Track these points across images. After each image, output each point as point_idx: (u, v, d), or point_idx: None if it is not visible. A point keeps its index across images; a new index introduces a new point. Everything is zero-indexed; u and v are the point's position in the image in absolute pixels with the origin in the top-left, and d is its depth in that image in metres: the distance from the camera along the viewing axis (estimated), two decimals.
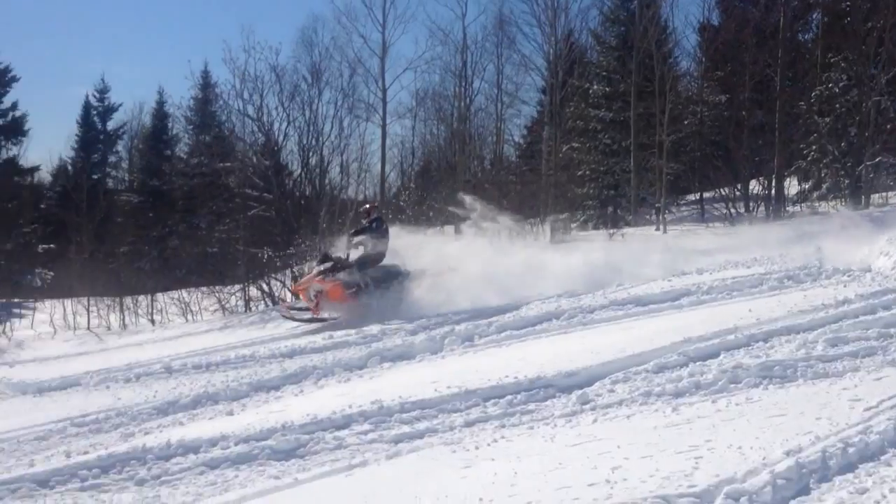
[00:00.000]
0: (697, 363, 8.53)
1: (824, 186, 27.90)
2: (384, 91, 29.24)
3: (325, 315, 13.55)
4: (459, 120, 30.93)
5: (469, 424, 7.40)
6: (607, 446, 6.24)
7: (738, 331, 9.69)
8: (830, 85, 27.04)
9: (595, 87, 32.09)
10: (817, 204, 27.38)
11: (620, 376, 8.30)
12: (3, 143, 30.43)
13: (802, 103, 28.15)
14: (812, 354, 8.43)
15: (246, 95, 24.05)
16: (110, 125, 42.13)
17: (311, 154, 25.07)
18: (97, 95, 41.48)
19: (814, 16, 31.12)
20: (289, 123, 25.39)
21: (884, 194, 26.07)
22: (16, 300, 23.07)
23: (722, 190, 29.18)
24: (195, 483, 6.67)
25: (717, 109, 30.56)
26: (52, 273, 26.71)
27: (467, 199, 17.92)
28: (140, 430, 8.41)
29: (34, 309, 21.75)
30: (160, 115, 40.82)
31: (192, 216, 31.65)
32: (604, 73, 32.40)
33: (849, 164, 26.63)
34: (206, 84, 35.02)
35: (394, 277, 13.34)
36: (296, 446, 7.20)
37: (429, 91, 33.58)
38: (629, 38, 30.49)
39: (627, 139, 29.76)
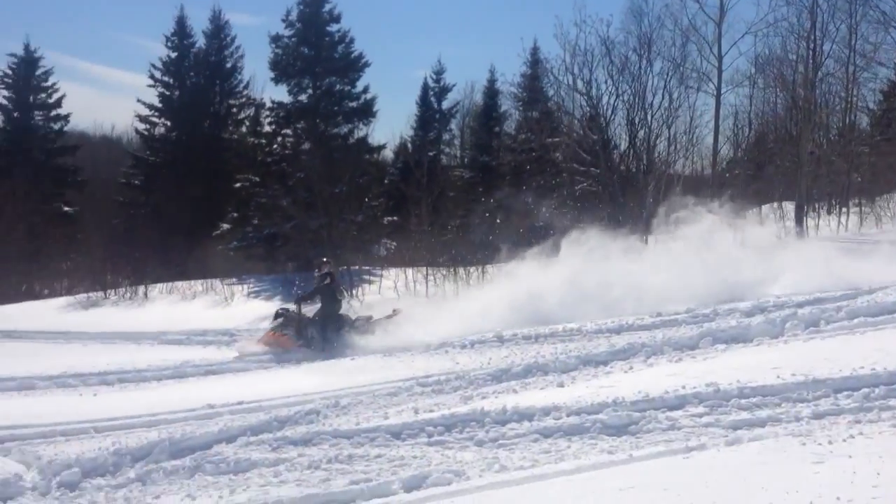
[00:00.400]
0: None
1: None
2: (720, 58, 27.57)
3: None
4: (804, 86, 28.38)
5: (818, 416, 6.83)
6: None
7: None
8: None
9: None
10: None
11: None
12: (355, 124, 33.58)
13: None
14: None
15: (576, 70, 24.20)
16: (445, 104, 44.83)
17: (638, 127, 24.67)
18: (434, 77, 44.25)
19: None
20: (617, 97, 25.15)
21: None
22: (366, 268, 25.52)
23: None
24: (530, 449, 6.88)
25: None
26: (394, 243, 29.15)
27: None
28: (477, 395, 8.88)
29: (381, 276, 23.88)
30: (491, 93, 42.45)
31: (518, 191, 32.80)
32: None
33: None
34: (535, 60, 35.65)
35: (341, 328, 14.17)
36: (627, 423, 7.15)
37: (770, 56, 31.12)
38: None
39: None
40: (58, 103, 36.86)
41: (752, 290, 13.00)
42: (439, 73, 44.15)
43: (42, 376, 11.26)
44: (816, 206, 26.29)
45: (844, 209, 25.71)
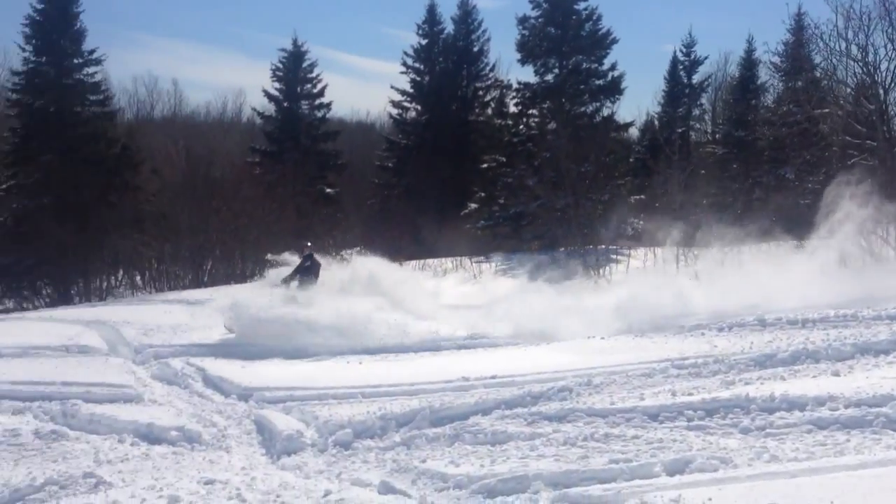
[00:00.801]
0: None
1: None
2: None
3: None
4: None
5: None
6: None
7: None
8: None
9: None
10: None
11: None
12: (602, 102, 33.11)
13: None
14: None
15: (850, 35, 21.99)
16: (695, 78, 42.92)
17: None
18: (684, 50, 42.42)
19: None
20: None
21: None
22: (613, 247, 25.18)
23: None
24: (802, 441, 6.41)
25: None
26: (642, 222, 28.47)
27: None
28: (740, 380, 8.39)
29: (629, 255, 23.44)
30: (748, 64, 39.94)
31: (779, 166, 30.63)
32: None
33: None
34: (800, 27, 32.99)
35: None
36: None
37: None
38: None
39: None
40: (321, 93, 39.62)
41: None
42: (689, 45, 42.47)
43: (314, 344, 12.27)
44: None
45: None
